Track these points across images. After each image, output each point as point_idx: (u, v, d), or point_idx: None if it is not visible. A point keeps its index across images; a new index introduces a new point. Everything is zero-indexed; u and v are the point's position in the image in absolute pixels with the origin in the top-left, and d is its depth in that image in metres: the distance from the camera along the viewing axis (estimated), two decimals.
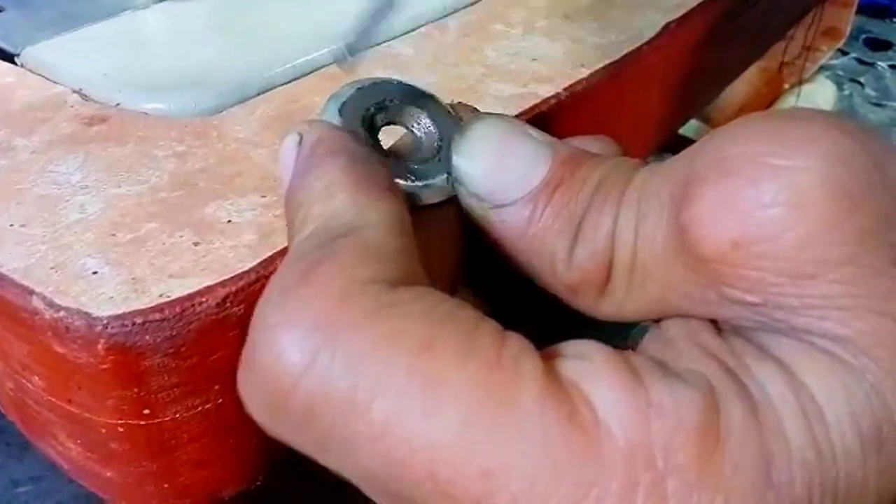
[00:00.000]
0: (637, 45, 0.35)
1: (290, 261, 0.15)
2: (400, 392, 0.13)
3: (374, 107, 0.19)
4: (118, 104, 0.30)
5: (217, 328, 0.22)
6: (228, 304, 0.22)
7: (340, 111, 0.19)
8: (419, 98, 0.20)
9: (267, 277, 0.22)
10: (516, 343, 0.14)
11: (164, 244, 0.23)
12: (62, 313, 0.20)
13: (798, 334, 0.14)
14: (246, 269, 0.22)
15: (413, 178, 0.18)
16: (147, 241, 0.23)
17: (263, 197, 0.25)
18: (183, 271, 0.22)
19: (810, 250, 0.13)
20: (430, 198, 0.18)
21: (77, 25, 0.36)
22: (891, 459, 0.13)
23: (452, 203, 0.19)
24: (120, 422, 0.22)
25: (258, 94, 0.31)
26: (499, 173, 0.17)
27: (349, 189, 0.16)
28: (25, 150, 0.27)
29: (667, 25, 0.38)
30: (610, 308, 0.17)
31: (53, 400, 0.23)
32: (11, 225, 0.23)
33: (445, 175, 0.18)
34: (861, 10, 1.21)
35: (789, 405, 0.13)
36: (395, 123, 0.20)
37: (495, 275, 0.18)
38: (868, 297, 0.13)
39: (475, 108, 0.20)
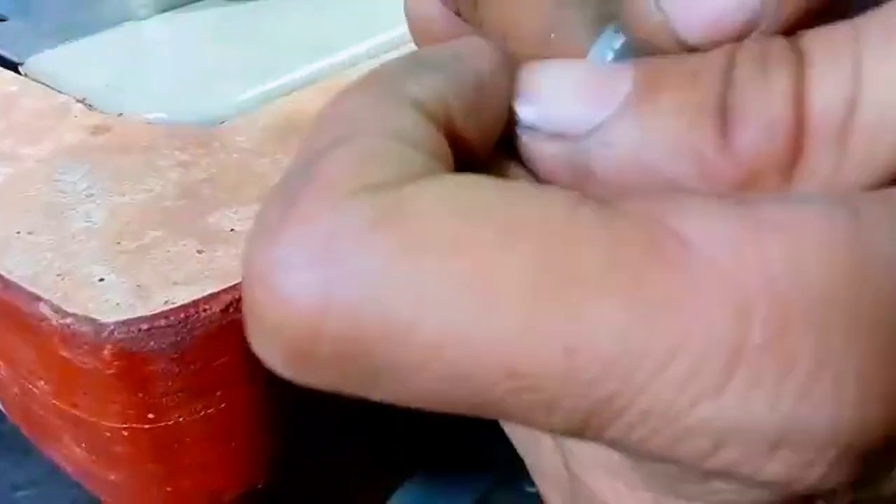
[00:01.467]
0: None
1: (271, 192, 0.12)
2: (444, 302, 0.11)
3: None
4: (122, 114, 0.30)
5: (221, 334, 0.22)
6: (232, 311, 0.22)
7: None
8: None
9: None
10: (561, 195, 0.11)
11: (168, 252, 0.23)
12: (69, 319, 0.21)
13: None
14: None
15: None
16: (152, 248, 0.23)
17: None
18: (187, 278, 0.22)
19: None
20: None
21: (80, 35, 0.36)
22: None
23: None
24: (124, 425, 0.22)
25: (259, 104, 0.31)
26: (576, 95, 0.14)
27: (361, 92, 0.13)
28: (31, 159, 0.27)
29: None
30: (815, 187, 0.13)
31: (59, 404, 0.23)
32: (19, 232, 0.24)
33: None
34: None
35: None
36: None
37: None
38: None
39: None
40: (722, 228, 0.11)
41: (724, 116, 0.13)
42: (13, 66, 0.35)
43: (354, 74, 0.35)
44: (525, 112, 0.14)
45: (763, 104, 0.13)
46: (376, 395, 0.12)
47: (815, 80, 0.12)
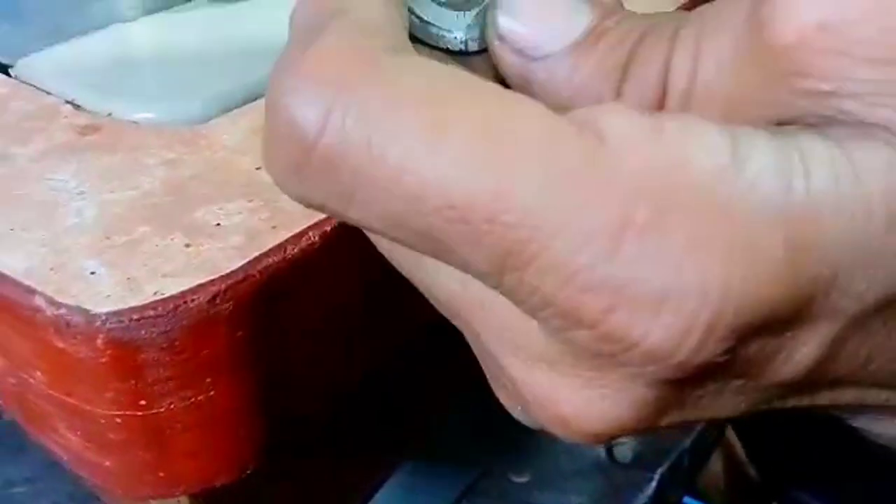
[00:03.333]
0: None
1: (287, 45, 0.16)
2: (410, 136, 0.14)
3: None
4: (110, 114, 0.31)
5: (208, 324, 0.23)
6: (218, 301, 0.23)
7: None
8: None
9: (254, 276, 0.24)
10: (519, 96, 0.14)
11: (156, 246, 0.24)
12: (63, 310, 0.22)
13: (860, 126, 0.14)
14: (234, 268, 0.24)
15: (445, 19, 0.19)
16: (141, 243, 0.24)
17: (250, 201, 0.27)
18: (175, 271, 0.23)
19: (893, 34, 0.14)
20: (471, 46, 0.19)
21: (67, 38, 0.37)
22: None
23: (485, 59, 0.19)
24: (118, 413, 0.23)
25: (244, 104, 0.32)
26: (540, 26, 0.18)
27: None
28: (22, 158, 0.28)
29: None
30: None
31: (54, 393, 0.24)
32: (12, 229, 0.25)
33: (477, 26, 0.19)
34: None
35: (819, 154, 0.14)
36: None
37: None
38: None
39: None
40: (629, 127, 0.14)
41: (625, 73, 0.17)
42: (3, 69, 0.35)
43: None
44: (500, 23, 0.18)
45: (647, 69, 0.17)
46: (351, 215, 0.15)
47: (678, 53, 0.16)
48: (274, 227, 0.25)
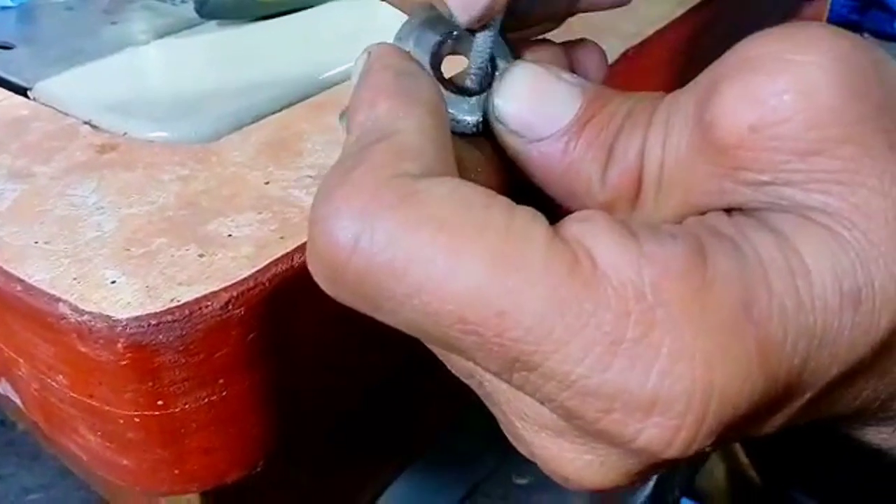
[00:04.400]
0: None
1: (337, 163, 0.18)
2: (427, 260, 0.16)
3: (441, 36, 0.21)
4: (125, 133, 0.33)
5: (221, 328, 0.25)
6: (230, 307, 0.25)
7: (410, 37, 0.21)
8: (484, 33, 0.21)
9: (264, 283, 0.25)
10: (525, 213, 0.16)
11: (172, 256, 0.26)
12: (86, 317, 0.23)
13: (801, 210, 0.16)
14: (245, 276, 0.25)
15: (461, 106, 0.20)
16: (158, 254, 0.26)
17: (259, 214, 0.28)
18: (190, 279, 0.25)
19: (816, 130, 0.16)
20: (482, 128, 0.21)
21: (83, 61, 0.39)
22: (865, 318, 0.16)
23: (490, 139, 0.21)
24: (136, 413, 0.25)
25: (252, 122, 0.34)
26: (535, 112, 0.20)
27: (390, 99, 0.18)
28: (44, 176, 0.30)
29: (625, 52, 0.41)
30: (641, 218, 0.19)
31: (76, 396, 0.26)
32: (36, 242, 0.26)
33: (484, 110, 0.20)
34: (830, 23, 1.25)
35: (776, 261, 0.16)
36: (458, 53, 0.22)
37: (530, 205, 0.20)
38: (865, 174, 0.16)
39: (538, 43, 0.23)
40: (617, 256, 0.16)
41: (609, 155, 0.19)
42: (22, 91, 0.37)
43: (341, 91, 0.38)
44: (498, 108, 0.20)
45: (627, 154, 0.19)
46: (380, 317, 0.17)
47: (650, 141, 0.18)
48: (282, 238, 0.27)
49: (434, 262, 0.15)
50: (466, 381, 0.20)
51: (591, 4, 0.22)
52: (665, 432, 0.15)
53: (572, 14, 0.23)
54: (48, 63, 0.39)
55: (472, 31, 0.21)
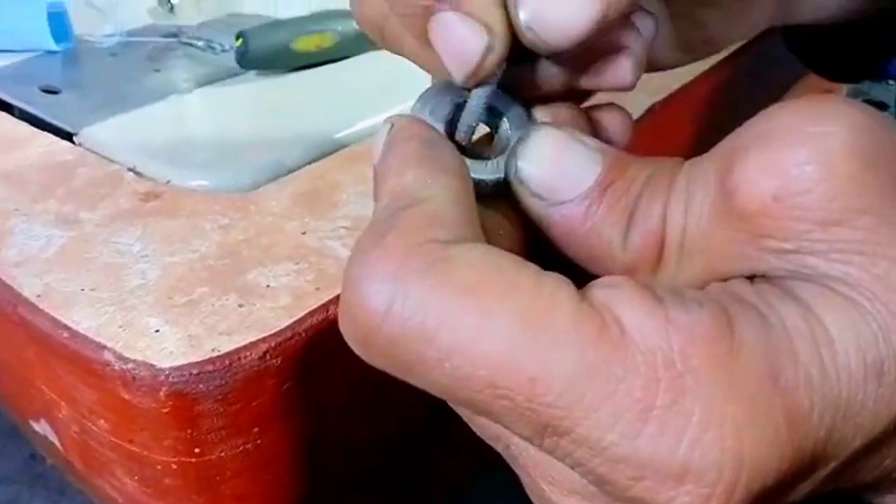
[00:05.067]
0: None
1: (369, 228, 0.18)
2: (456, 324, 0.16)
3: (454, 103, 0.21)
4: (168, 181, 0.34)
5: (258, 378, 0.25)
6: (268, 357, 0.25)
7: (426, 107, 0.21)
8: (501, 101, 0.22)
9: (301, 334, 0.26)
10: (553, 279, 0.17)
11: (213, 306, 0.27)
12: (130, 365, 0.24)
13: (823, 280, 0.17)
14: (282, 327, 0.26)
15: (479, 168, 0.21)
16: (200, 303, 0.27)
17: (296, 265, 0.29)
18: (230, 329, 0.26)
19: (837, 200, 0.16)
20: (489, 188, 0.21)
21: (127, 107, 0.40)
22: (888, 390, 0.16)
23: (510, 199, 0.21)
24: (174, 459, 0.26)
25: (289, 173, 0.35)
26: (556, 175, 0.20)
27: (417, 167, 0.19)
28: (90, 223, 0.31)
29: (651, 106, 0.42)
30: (663, 282, 0.19)
31: (116, 440, 0.26)
32: (82, 289, 0.27)
33: (504, 172, 0.21)
34: None
35: (801, 330, 0.16)
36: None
37: (551, 266, 0.20)
38: (886, 244, 0.16)
39: (557, 104, 0.23)
40: (645, 322, 0.16)
41: (631, 219, 0.19)
42: (68, 136, 0.38)
43: (372, 142, 0.39)
44: (520, 170, 0.20)
45: (648, 219, 0.19)
46: (412, 381, 0.17)
47: (672, 206, 0.19)
48: (318, 289, 0.28)
49: (464, 326, 0.16)
50: (491, 444, 0.20)
51: (593, 85, 0.22)
52: (696, 500, 0.15)
53: (577, 92, 0.23)
54: (93, 109, 0.40)
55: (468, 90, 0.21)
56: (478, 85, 0.21)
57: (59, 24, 0.48)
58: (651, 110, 0.42)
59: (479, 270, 0.16)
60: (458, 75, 0.20)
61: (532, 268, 0.17)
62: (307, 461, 0.28)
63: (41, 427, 0.31)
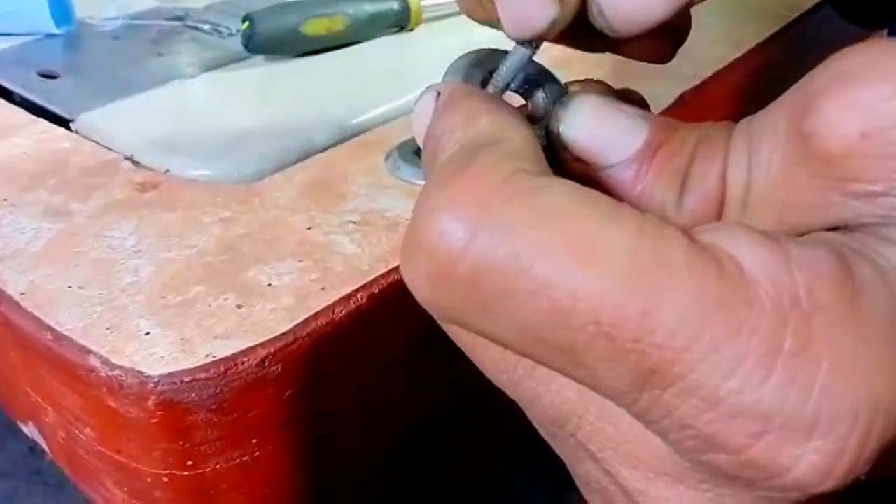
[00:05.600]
0: None
1: (440, 167, 0.16)
2: (557, 252, 0.14)
3: (487, 73, 0.21)
4: (168, 170, 0.32)
5: (256, 386, 0.23)
6: (267, 364, 0.23)
7: (458, 75, 0.21)
8: (532, 69, 0.21)
9: (303, 339, 0.24)
10: (656, 218, 0.15)
11: (210, 306, 0.25)
12: (117, 371, 0.22)
13: None
14: (284, 331, 0.24)
15: None
16: (195, 303, 0.25)
17: (300, 262, 0.27)
18: (227, 333, 0.24)
19: None
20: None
21: (128, 93, 0.38)
22: None
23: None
24: (165, 472, 0.24)
25: (296, 162, 0.33)
26: (601, 139, 0.19)
27: (490, 114, 0.18)
28: (82, 215, 0.29)
29: (681, 96, 0.40)
30: None
31: (103, 450, 0.24)
32: (70, 287, 0.25)
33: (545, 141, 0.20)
34: None
35: None
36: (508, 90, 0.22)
37: None
38: None
39: (587, 81, 0.22)
40: (764, 259, 0.14)
41: (684, 182, 0.18)
42: (65, 122, 0.37)
43: (386, 131, 0.36)
44: (563, 135, 0.19)
45: (704, 179, 0.18)
46: (487, 322, 0.15)
47: (731, 164, 0.17)
48: (323, 289, 0.26)
49: (564, 255, 0.14)
50: (553, 433, 0.18)
51: (632, 55, 0.21)
52: (826, 459, 0.13)
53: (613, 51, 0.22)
54: (92, 94, 0.39)
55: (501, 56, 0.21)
56: (523, 44, 0.20)
57: (60, 6, 0.46)
58: (680, 99, 0.39)
59: (576, 200, 0.15)
60: (513, 33, 0.19)
61: (630, 207, 0.16)
62: (308, 474, 0.26)
63: (29, 430, 0.30)
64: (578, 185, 0.16)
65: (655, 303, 0.14)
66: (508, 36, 0.20)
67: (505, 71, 0.20)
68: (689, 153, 0.18)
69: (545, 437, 0.19)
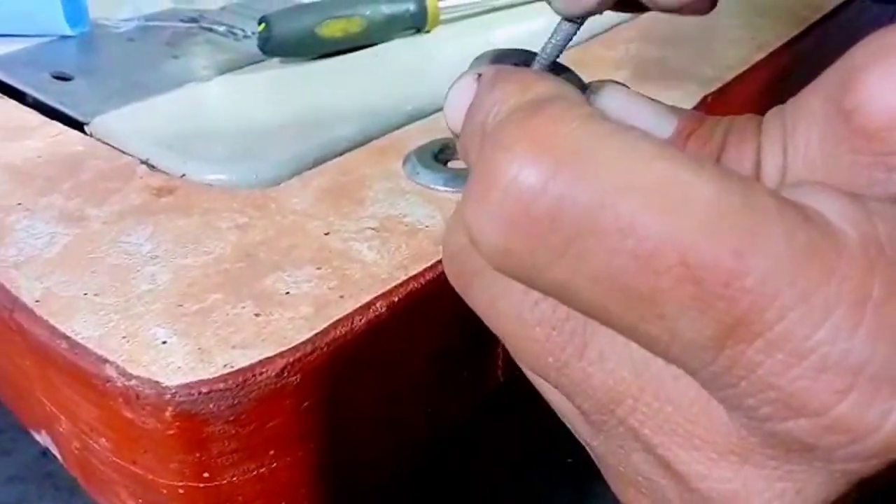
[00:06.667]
0: None
1: (501, 123, 0.16)
2: (644, 191, 0.14)
3: (518, 64, 0.20)
4: (184, 175, 0.31)
5: (275, 397, 0.23)
6: (286, 374, 0.23)
7: (487, 62, 0.20)
8: (552, 66, 0.21)
9: (322, 349, 0.24)
10: (743, 175, 0.15)
11: (227, 315, 0.24)
12: (133, 382, 0.22)
13: None
14: (302, 340, 0.23)
15: None
16: (212, 311, 0.24)
17: (318, 269, 0.26)
18: (245, 342, 0.23)
19: None
20: None
21: (143, 96, 0.38)
22: None
23: None
24: (181, 484, 0.23)
25: (313, 166, 0.32)
26: (633, 125, 0.19)
27: (545, 80, 0.17)
28: (97, 220, 0.29)
29: (704, 98, 0.39)
30: None
31: (119, 461, 0.24)
32: (86, 294, 0.25)
33: None
34: None
35: None
36: None
37: None
38: None
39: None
40: (846, 209, 0.14)
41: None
42: (79, 125, 0.36)
43: (404, 135, 0.36)
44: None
45: (740, 164, 0.17)
46: (563, 266, 0.14)
47: (765, 149, 0.17)
48: (342, 297, 0.25)
49: (652, 195, 0.13)
50: (600, 420, 0.17)
51: (670, 8, 0.20)
52: None
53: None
54: (106, 97, 0.38)
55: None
56: (570, 20, 0.20)
57: (74, 7, 0.46)
58: (703, 101, 0.39)
59: (657, 145, 0.14)
60: (563, 9, 0.19)
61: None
62: (326, 487, 0.26)
63: (42, 439, 0.29)
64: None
65: (749, 244, 0.13)
66: (557, 12, 0.20)
67: (551, 47, 0.20)
68: (720, 141, 0.18)
69: (586, 434, 0.18)
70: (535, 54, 0.21)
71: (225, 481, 0.23)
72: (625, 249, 0.14)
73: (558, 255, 0.14)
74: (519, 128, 0.15)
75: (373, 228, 0.29)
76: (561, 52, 0.20)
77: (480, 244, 0.15)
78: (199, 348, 0.23)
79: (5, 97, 0.39)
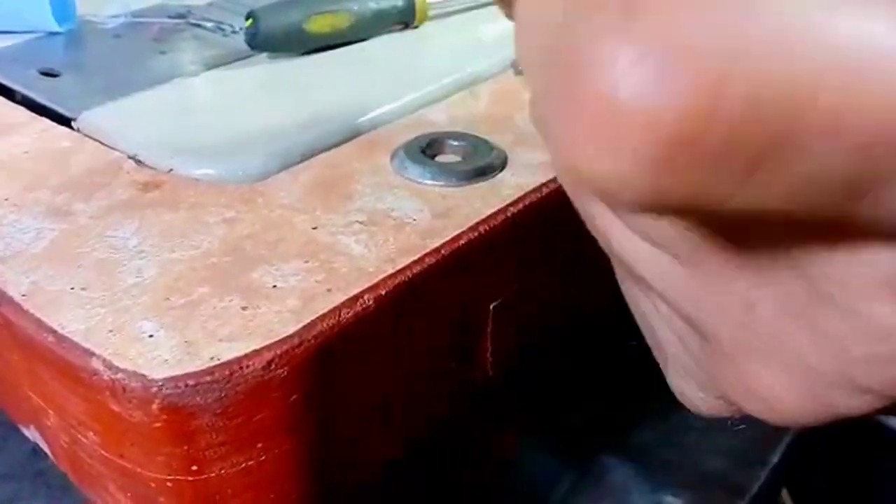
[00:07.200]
0: None
1: (602, 18, 0.10)
2: (850, 70, 0.10)
3: None
4: (171, 170, 0.31)
5: (262, 390, 0.23)
6: (273, 367, 0.23)
7: None
8: None
9: (309, 342, 0.24)
10: None
11: (214, 308, 0.24)
12: (120, 375, 0.22)
13: None
14: (289, 333, 0.23)
15: None
16: (199, 305, 0.24)
17: (306, 262, 0.26)
18: (231, 335, 0.23)
19: None
20: None
21: (130, 91, 0.38)
22: None
23: None
24: (169, 477, 0.23)
25: (301, 161, 0.32)
26: None
27: None
28: (84, 215, 0.29)
29: None
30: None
31: (106, 455, 0.24)
32: (72, 288, 0.25)
33: None
34: None
35: None
36: None
37: None
38: None
39: None
40: None
41: None
42: (66, 121, 0.36)
43: (392, 130, 0.36)
44: None
45: None
46: (748, 191, 0.11)
47: None
48: (329, 290, 0.25)
49: (863, 65, 0.10)
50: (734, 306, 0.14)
51: None
52: None
53: None
54: (94, 92, 0.38)
55: None
56: None
57: (61, 4, 0.45)
58: None
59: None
60: None
61: None
62: (315, 479, 0.26)
63: (31, 434, 0.29)
64: None
65: None
66: None
67: None
68: None
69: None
70: None
71: (213, 474, 0.23)
72: (834, 148, 0.10)
73: (748, 172, 0.11)
74: (637, 19, 0.10)
75: (360, 222, 0.29)
76: None
77: (613, 189, 0.11)
78: (186, 341, 0.23)
79: None
